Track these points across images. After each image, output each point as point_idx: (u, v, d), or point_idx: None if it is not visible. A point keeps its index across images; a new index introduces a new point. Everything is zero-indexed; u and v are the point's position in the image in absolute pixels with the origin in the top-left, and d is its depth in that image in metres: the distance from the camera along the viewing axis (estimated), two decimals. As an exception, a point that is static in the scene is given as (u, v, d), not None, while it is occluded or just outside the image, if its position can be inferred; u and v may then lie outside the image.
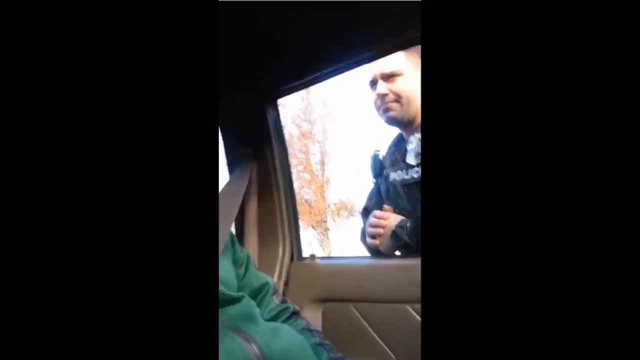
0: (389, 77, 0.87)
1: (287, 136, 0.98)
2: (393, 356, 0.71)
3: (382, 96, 0.88)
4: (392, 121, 0.91)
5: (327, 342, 0.60)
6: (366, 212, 0.96)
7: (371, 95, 0.92)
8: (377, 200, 0.97)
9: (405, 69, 0.87)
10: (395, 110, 0.88)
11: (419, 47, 0.86)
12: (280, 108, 0.94)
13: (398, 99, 0.88)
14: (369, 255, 0.90)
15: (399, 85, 0.87)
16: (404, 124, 0.90)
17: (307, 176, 8.89)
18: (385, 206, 0.87)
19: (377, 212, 0.87)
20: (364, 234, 0.91)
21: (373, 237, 0.85)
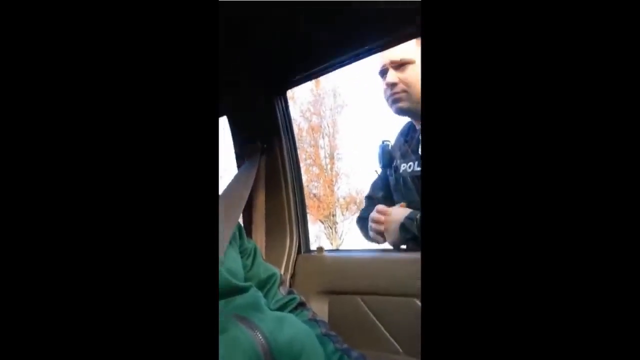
0: (399, 65, 0.85)
1: (296, 130, 0.98)
2: (400, 349, 0.71)
3: (392, 85, 0.86)
4: (402, 112, 0.89)
5: (333, 333, 0.60)
6: (370, 200, 0.97)
7: (381, 85, 0.90)
8: (384, 192, 0.96)
9: (416, 57, 0.85)
10: (405, 100, 0.86)
11: None
12: (289, 102, 0.93)
13: (407, 88, 0.85)
14: (377, 248, 0.90)
15: (409, 74, 0.85)
16: (415, 114, 0.88)
17: (316, 170, 8.89)
18: (402, 203, 0.86)
19: (380, 207, 0.85)
20: (361, 219, 0.91)
21: (376, 232, 0.85)
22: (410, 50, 0.85)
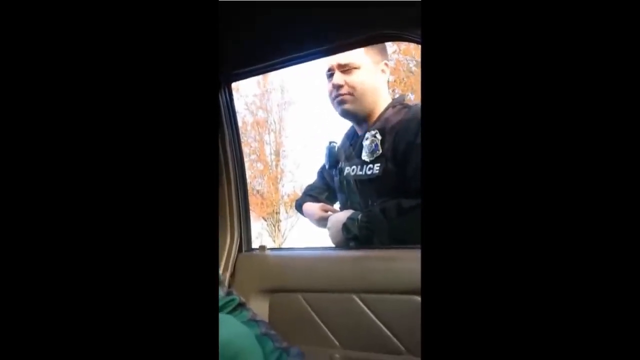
0: (345, 69, 0.88)
1: (240, 123, 0.95)
2: (337, 343, 0.74)
3: (338, 87, 0.88)
4: (346, 114, 0.92)
5: (272, 332, 0.59)
6: (312, 198, 1.04)
7: (327, 86, 0.92)
8: (327, 191, 1.02)
9: (363, 63, 0.88)
10: (349, 102, 0.89)
11: (380, 45, 0.89)
12: (234, 93, 0.90)
13: (352, 91, 0.88)
14: (318, 247, 0.92)
15: (354, 78, 0.88)
16: (359, 118, 0.92)
17: (260, 166, 8.74)
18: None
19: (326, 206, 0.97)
20: (301, 205, 1.04)
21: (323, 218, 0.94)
22: (358, 56, 0.88)
